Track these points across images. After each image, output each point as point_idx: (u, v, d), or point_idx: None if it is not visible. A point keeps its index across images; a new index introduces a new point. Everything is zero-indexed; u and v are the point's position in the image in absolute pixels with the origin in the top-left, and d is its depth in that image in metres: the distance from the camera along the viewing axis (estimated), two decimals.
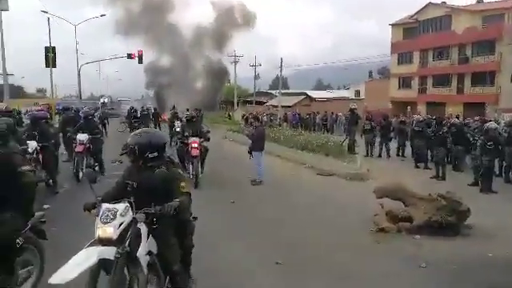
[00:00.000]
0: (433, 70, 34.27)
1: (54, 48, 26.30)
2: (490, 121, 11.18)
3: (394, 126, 16.11)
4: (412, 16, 35.86)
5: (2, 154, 3.53)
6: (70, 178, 9.17)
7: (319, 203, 7.93)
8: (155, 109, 27.82)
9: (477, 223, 6.14)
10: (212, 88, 39.73)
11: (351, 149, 14.22)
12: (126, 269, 2.95)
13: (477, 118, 14.69)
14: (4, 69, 21.53)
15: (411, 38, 35.56)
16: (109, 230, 2.88)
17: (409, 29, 36.42)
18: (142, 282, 2.98)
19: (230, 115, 35.29)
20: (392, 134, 15.52)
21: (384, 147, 14.75)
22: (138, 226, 3.03)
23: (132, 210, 3.04)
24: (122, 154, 3.40)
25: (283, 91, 45.47)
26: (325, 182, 10.13)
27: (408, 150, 14.45)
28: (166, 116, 25.32)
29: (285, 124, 27.10)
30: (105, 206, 3.02)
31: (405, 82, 37.48)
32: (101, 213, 2.97)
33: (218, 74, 40.62)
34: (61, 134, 10.86)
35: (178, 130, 14.43)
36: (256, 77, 47.14)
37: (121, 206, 3.01)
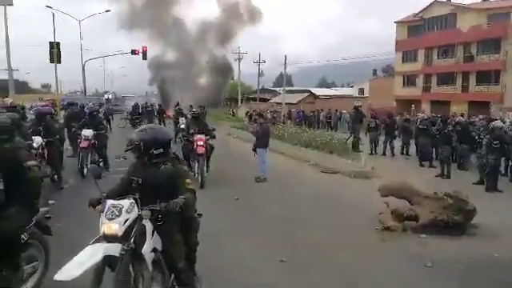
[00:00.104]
0: (437, 68, 34.05)
1: (58, 43, 26.32)
2: (496, 119, 11.06)
3: (398, 124, 16.03)
4: (417, 14, 35.60)
5: (8, 149, 3.51)
6: (75, 173, 9.19)
7: (323, 201, 7.90)
8: (160, 105, 27.83)
9: (482, 222, 6.09)
10: (216, 84, 39.52)
11: (355, 147, 14.18)
12: (130, 266, 2.93)
13: (481, 116, 14.58)
14: (9, 64, 21.57)
15: (416, 35, 35.31)
16: (114, 227, 2.86)
17: (414, 27, 36.16)
18: (147, 279, 2.97)
19: (233, 112, 35.23)
20: (396, 132, 15.44)
21: (388, 145, 14.69)
22: (143, 222, 3.01)
23: (137, 206, 3.02)
24: (126, 150, 3.37)
25: (287, 88, 45.33)
26: (329, 180, 10.10)
27: (412, 149, 14.39)
28: (170, 112, 25.36)
29: (289, 121, 27.03)
30: (110, 202, 3.01)
31: (409, 80, 37.26)
32: (106, 209, 2.95)
33: (223, 70, 40.29)
34: (66, 130, 10.88)
35: (182, 126, 14.41)
36: (260, 74, 47.05)
37: (126, 203, 3.00)
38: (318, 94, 50.19)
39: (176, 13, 36.84)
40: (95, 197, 3.18)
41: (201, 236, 3.58)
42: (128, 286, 2.89)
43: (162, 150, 3.27)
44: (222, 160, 9.16)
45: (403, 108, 29.45)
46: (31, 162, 3.57)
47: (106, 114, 20.89)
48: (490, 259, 5.12)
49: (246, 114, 30.60)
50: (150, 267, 3.01)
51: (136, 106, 27.40)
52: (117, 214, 2.90)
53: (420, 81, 35.85)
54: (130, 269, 2.94)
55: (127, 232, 2.91)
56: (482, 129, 11.15)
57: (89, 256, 2.73)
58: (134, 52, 30.23)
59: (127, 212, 2.94)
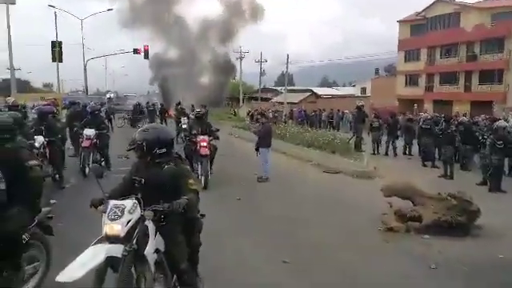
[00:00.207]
0: (440, 67, 33.91)
1: (60, 42, 26.36)
2: (499, 119, 11.00)
3: (401, 123, 15.97)
4: (420, 13, 35.46)
5: (10, 149, 3.49)
6: (77, 173, 9.18)
7: (326, 201, 7.87)
8: (162, 104, 27.82)
9: (486, 223, 6.04)
10: (218, 83, 39.28)
11: (358, 146, 14.14)
12: (133, 267, 2.91)
13: (482, 116, 14.51)
14: (11, 63, 21.61)
15: (419, 35, 35.17)
16: (116, 227, 2.84)
17: (416, 26, 36.01)
18: (149, 281, 2.94)
19: (235, 112, 35.17)
20: (399, 132, 15.39)
21: (391, 145, 14.65)
22: (146, 223, 2.99)
23: (140, 206, 3.00)
24: (129, 150, 3.34)
25: (289, 88, 45.22)
26: (331, 180, 10.06)
27: (415, 148, 14.34)
28: (172, 112, 25.34)
29: (290, 121, 26.98)
30: (112, 202, 2.98)
31: (412, 80, 37.14)
32: (108, 209, 2.93)
33: (225, 69, 39.97)
34: (67, 129, 10.87)
35: (184, 126, 14.34)
36: (262, 73, 46.97)
37: (129, 203, 2.97)
38: (319, 93, 50.10)
39: (177, 11, 36.64)
40: (97, 197, 3.16)
41: (203, 236, 3.56)
42: (130, 287, 2.86)
43: (164, 150, 3.24)
44: (224, 160, 9.12)
45: (405, 108, 29.37)
46: (33, 162, 3.55)
47: (108, 113, 20.90)
48: (494, 260, 5.07)
49: (248, 113, 30.55)
50: (153, 268, 2.99)
51: (138, 105, 27.42)
52: (119, 214, 2.88)
53: (422, 80, 35.72)
54: (132, 270, 2.92)
55: (129, 233, 2.89)
56: (485, 129, 11.09)
57: (91, 257, 2.70)
58: (135, 51, 30.21)
59: (130, 212, 2.91)
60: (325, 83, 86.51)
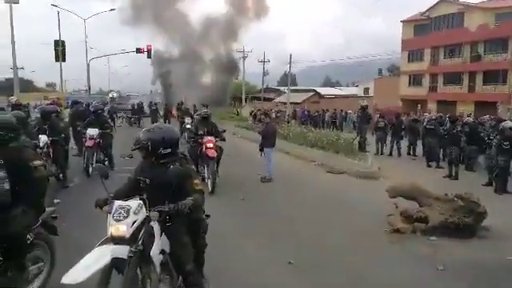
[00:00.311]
0: (444, 67, 33.78)
1: (63, 42, 26.41)
2: (506, 120, 10.90)
3: (405, 124, 15.88)
4: (423, 13, 35.34)
5: (14, 149, 3.46)
6: (80, 172, 9.16)
7: (330, 201, 7.81)
8: (166, 104, 27.84)
9: (493, 224, 5.97)
10: (221, 83, 39.07)
11: (362, 147, 14.07)
12: (138, 268, 2.87)
13: (487, 116, 14.42)
14: (14, 62, 21.66)
15: (422, 35, 35.06)
16: (122, 228, 2.80)
17: (420, 26, 35.90)
18: (155, 282, 2.91)
19: (237, 111, 35.11)
20: (403, 133, 15.31)
21: (395, 145, 14.58)
22: (151, 224, 2.95)
23: (145, 207, 2.96)
24: (134, 150, 3.30)
25: (292, 88, 45.15)
26: (335, 180, 10.00)
27: (419, 149, 14.27)
28: (174, 111, 25.33)
29: (293, 121, 26.93)
30: (117, 203, 2.94)
31: (415, 80, 37.01)
32: (113, 210, 2.89)
33: (228, 68, 39.68)
34: (71, 128, 10.85)
35: (188, 126, 14.29)
36: (265, 73, 46.92)
37: (134, 204, 2.93)
38: (322, 93, 50.05)
39: (180, 7, 36.46)
40: (102, 197, 3.12)
41: (207, 237, 3.52)
42: None
43: (169, 150, 3.21)
44: (227, 160, 9.04)
45: (409, 108, 29.28)
46: (37, 162, 3.51)
47: (111, 112, 20.92)
48: (502, 262, 5.02)
49: (251, 113, 30.51)
50: (158, 269, 2.96)
51: (140, 104, 27.45)
52: (124, 215, 2.84)
53: (426, 80, 35.60)
54: (138, 271, 2.88)
55: (135, 234, 2.85)
56: (491, 130, 11.01)
57: (96, 259, 2.67)
58: (138, 51, 30.21)
59: (135, 213, 2.87)
60: (327, 83, 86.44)
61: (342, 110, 29.30)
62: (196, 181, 3.22)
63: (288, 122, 24.12)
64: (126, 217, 2.83)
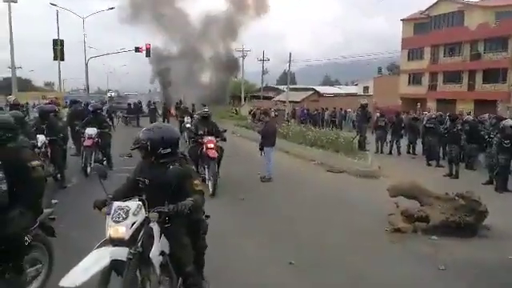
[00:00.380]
0: (444, 66, 33.77)
1: (62, 41, 26.30)
2: (506, 118, 10.87)
3: (405, 122, 15.85)
4: (423, 12, 35.31)
5: (11, 149, 3.41)
6: (78, 172, 9.12)
7: (330, 201, 7.78)
8: (165, 103, 27.79)
9: (494, 223, 5.95)
10: (220, 81, 38.89)
11: (362, 145, 14.03)
12: (137, 270, 2.84)
13: (486, 115, 14.39)
14: (12, 62, 21.59)
15: (422, 33, 35.03)
16: (121, 230, 2.76)
17: (420, 24, 35.85)
18: (155, 284, 2.88)
19: (236, 110, 35.03)
20: (403, 131, 15.29)
21: (395, 144, 14.56)
22: (151, 225, 2.91)
23: (144, 208, 2.92)
24: (133, 149, 3.26)
25: (291, 86, 45.08)
26: (335, 179, 9.97)
27: (419, 147, 14.25)
28: (173, 110, 25.29)
29: (293, 120, 26.88)
30: (116, 204, 2.90)
31: (415, 79, 36.99)
32: (112, 211, 2.84)
33: (228, 66, 39.20)
34: (69, 128, 10.80)
35: (188, 125, 14.23)
36: (264, 72, 46.86)
37: (133, 205, 2.89)
38: (322, 92, 50.00)
39: (179, 4, 36.25)
40: (100, 198, 3.08)
41: (206, 237, 3.49)
42: None
43: (169, 150, 3.17)
44: (227, 159, 8.98)
45: (409, 106, 29.26)
46: (35, 162, 3.46)
47: (109, 112, 20.87)
48: (503, 261, 5.00)
49: (250, 112, 30.45)
50: (158, 271, 2.92)
51: (138, 103, 27.40)
52: (123, 216, 2.80)
53: (426, 79, 35.59)
54: (137, 273, 2.85)
55: (134, 235, 2.81)
56: (491, 128, 10.98)
57: (95, 261, 2.63)
58: (137, 49, 30.11)
59: (134, 214, 2.83)
60: (327, 82, 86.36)
61: (341, 109, 29.26)
62: (196, 181, 3.19)
63: (287, 121, 24.06)
64: (125, 218, 2.79)
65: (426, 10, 34.99)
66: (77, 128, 9.86)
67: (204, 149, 8.02)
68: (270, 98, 46.50)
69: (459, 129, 10.70)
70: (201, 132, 8.41)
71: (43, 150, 7.48)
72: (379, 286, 4.37)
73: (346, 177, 10.26)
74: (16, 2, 20.59)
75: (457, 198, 5.87)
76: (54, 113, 8.89)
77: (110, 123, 11.99)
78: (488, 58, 30.10)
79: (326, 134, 14.70)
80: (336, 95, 47.60)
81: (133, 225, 2.80)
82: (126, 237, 2.76)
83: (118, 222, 2.78)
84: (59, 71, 28.78)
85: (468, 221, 5.65)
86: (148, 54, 30.45)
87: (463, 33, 31.01)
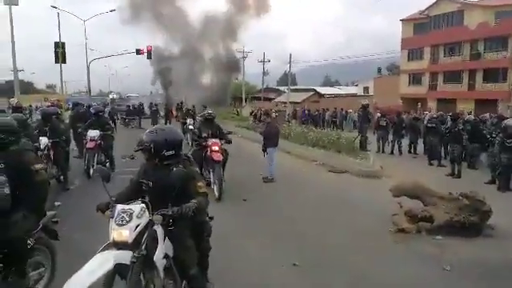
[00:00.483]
0: (444, 66, 33.71)
1: (63, 43, 26.28)
2: (508, 118, 10.85)
3: (406, 122, 15.84)
4: (423, 11, 35.27)
5: (14, 152, 3.40)
6: (81, 174, 9.11)
7: (333, 201, 7.76)
8: (166, 104, 27.78)
9: (498, 223, 5.93)
10: (221, 82, 38.74)
11: (363, 146, 14.02)
12: (141, 273, 2.82)
13: (487, 114, 14.37)
14: (14, 65, 21.59)
15: (422, 33, 34.99)
16: (124, 233, 2.74)
17: (419, 24, 35.79)
18: (158, 287, 2.86)
19: (237, 112, 35.03)
20: (404, 131, 15.28)
21: (396, 144, 14.54)
22: (154, 227, 2.90)
23: (148, 211, 2.90)
24: (136, 151, 3.25)
25: (291, 87, 45.06)
26: (337, 180, 9.95)
27: (420, 147, 14.23)
28: (174, 111, 25.29)
29: (294, 121, 26.86)
30: (120, 207, 2.89)
31: (415, 79, 36.93)
32: (115, 214, 2.83)
33: (229, 67, 38.73)
34: (71, 130, 10.80)
35: (190, 127, 14.17)
36: (265, 73, 46.82)
37: (136, 208, 2.87)
38: (322, 92, 49.99)
39: (180, 6, 36.14)
40: (103, 201, 3.07)
41: (210, 238, 3.48)
42: None
43: (173, 152, 3.15)
44: (229, 160, 8.94)
45: (409, 106, 29.21)
46: (38, 165, 3.45)
47: (111, 114, 20.88)
48: (508, 261, 4.97)
49: (251, 113, 30.45)
50: (162, 274, 2.90)
51: (140, 105, 27.42)
52: (127, 219, 2.78)
53: (426, 79, 35.52)
54: (141, 276, 2.83)
55: (137, 238, 2.79)
56: (493, 127, 10.96)
57: (99, 265, 2.61)
58: (138, 52, 30.11)
59: (138, 217, 2.81)
60: (327, 83, 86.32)
61: (342, 109, 29.24)
62: (200, 183, 3.17)
63: (288, 122, 24.05)
64: (129, 221, 2.78)
65: (426, 9, 34.94)
66: (79, 130, 9.86)
67: (208, 152, 7.79)
68: (270, 99, 46.48)
69: (461, 128, 10.67)
70: (205, 135, 8.17)
71: (46, 152, 7.47)
72: (383, 286, 4.35)
73: (348, 177, 10.24)
74: (17, 5, 20.59)
75: (461, 197, 5.85)
76: (56, 115, 8.89)
77: (113, 125, 11.97)
78: (488, 57, 30.06)
79: (328, 134, 14.70)
80: (336, 96, 47.59)
81: (136, 228, 2.78)
82: (130, 240, 2.74)
83: (122, 225, 2.76)
84: (61, 74, 28.77)
85: (472, 220, 5.62)
86: (149, 56, 30.45)
87: (463, 32, 30.97)
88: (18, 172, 3.28)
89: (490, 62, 29.80)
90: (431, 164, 12.20)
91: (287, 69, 43.55)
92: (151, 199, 3.10)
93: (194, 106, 20.07)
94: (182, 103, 25.76)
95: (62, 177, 8.06)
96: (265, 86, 49.03)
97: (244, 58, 43.52)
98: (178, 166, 3.13)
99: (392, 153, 14.51)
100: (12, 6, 20.37)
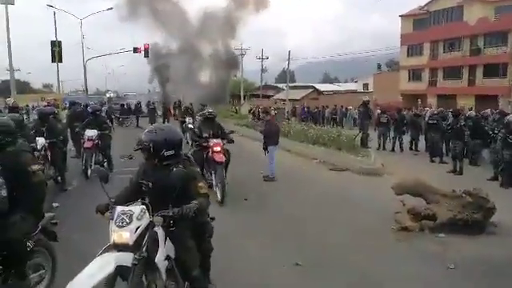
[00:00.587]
0: (443, 61, 33.66)
1: (60, 42, 26.15)
2: (510, 113, 10.79)
3: (407, 119, 15.78)
4: (422, 7, 35.17)
5: (11, 153, 3.33)
6: (79, 174, 9.03)
7: (334, 199, 7.71)
8: (164, 103, 27.67)
9: (501, 220, 5.87)
10: (220, 80, 38.55)
11: (364, 143, 13.95)
12: (143, 275, 2.76)
13: (488, 110, 14.32)
14: (10, 64, 21.47)
15: (421, 29, 34.90)
16: (125, 235, 2.68)
17: (419, 20, 35.70)
18: None
19: (236, 109, 34.93)
20: (405, 128, 15.22)
21: (397, 141, 14.47)
22: (155, 229, 2.84)
23: (148, 212, 2.84)
24: (136, 150, 3.17)
25: (290, 84, 44.93)
26: (338, 178, 9.88)
27: (421, 144, 14.16)
28: (172, 110, 25.16)
29: (293, 118, 26.78)
30: (119, 208, 2.83)
31: (415, 75, 36.88)
32: (115, 216, 2.77)
33: (228, 64, 38.37)
34: (69, 130, 10.71)
35: (190, 126, 14.05)
36: (263, 70, 46.70)
37: (137, 209, 2.81)
38: (321, 89, 49.89)
39: (178, 2, 35.86)
40: (103, 203, 3.01)
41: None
42: None
43: (172, 152, 3.08)
44: (230, 160, 8.82)
45: (409, 103, 29.14)
46: (36, 166, 3.39)
47: (109, 113, 20.77)
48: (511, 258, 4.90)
49: (250, 110, 30.38)
50: (164, 276, 2.86)
51: (138, 104, 27.32)
52: (127, 221, 2.72)
53: (426, 75, 35.47)
54: (143, 278, 2.78)
55: (138, 240, 2.74)
56: (494, 124, 10.90)
57: (100, 267, 2.55)
58: (135, 50, 29.98)
59: (138, 219, 2.76)
60: (326, 79, 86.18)
61: (342, 106, 29.17)
62: (200, 183, 3.11)
63: (288, 119, 23.96)
64: (129, 223, 2.72)
65: (425, 5, 34.84)
66: (76, 130, 9.77)
67: (210, 153, 7.46)
68: (269, 97, 46.37)
69: (463, 125, 10.60)
70: (205, 135, 7.81)
71: (43, 152, 7.39)
72: (385, 285, 4.29)
73: (349, 175, 10.17)
74: (13, 4, 20.43)
75: (464, 195, 5.79)
76: (53, 115, 8.79)
77: (110, 124, 11.87)
78: (488, 52, 29.99)
79: (328, 131, 14.60)
80: (335, 92, 47.50)
81: (137, 229, 2.73)
82: (131, 242, 2.69)
83: (122, 226, 2.71)
84: (57, 73, 28.63)
85: (476, 218, 5.57)
86: (146, 55, 30.32)
87: (463, 28, 30.88)
88: (15, 173, 3.23)
89: (490, 58, 29.74)
90: (433, 161, 12.16)
91: (285, 66, 43.47)
92: (151, 200, 3.05)
93: (191, 104, 19.94)
94: (179, 101, 25.62)
95: (59, 177, 7.97)
96: (263, 83, 48.92)
97: (242, 55, 43.38)
98: (178, 166, 3.07)
99: (393, 150, 14.46)
100: (8, 6, 20.20)
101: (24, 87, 54.93)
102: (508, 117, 9.25)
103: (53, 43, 25.85)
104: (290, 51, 41.39)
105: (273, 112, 24.63)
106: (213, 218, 3.51)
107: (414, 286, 4.31)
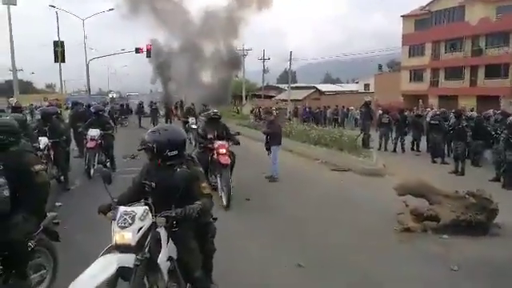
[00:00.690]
0: (445, 62, 33.60)
1: (62, 42, 26.15)
2: (511, 114, 10.76)
3: (408, 119, 15.75)
4: (424, 7, 35.12)
5: (14, 153, 3.33)
6: (82, 174, 9.04)
7: (336, 200, 7.69)
8: (166, 103, 27.68)
9: (504, 221, 5.84)
10: (222, 80, 38.45)
11: (366, 143, 13.93)
12: (145, 277, 2.76)
13: (490, 110, 14.29)
14: (13, 64, 21.51)
15: (423, 29, 34.84)
16: (127, 236, 2.67)
17: (420, 20, 35.65)
18: None
19: (238, 110, 34.90)
20: (407, 128, 15.19)
21: (399, 141, 14.45)
22: (158, 230, 2.84)
23: (151, 213, 2.84)
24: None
25: (292, 85, 44.91)
26: (340, 178, 9.86)
27: (423, 144, 14.13)
28: (174, 110, 25.19)
29: (295, 119, 26.75)
30: (122, 209, 2.82)
31: (416, 75, 36.81)
32: (118, 216, 2.76)
33: (230, 64, 38.04)
34: (71, 130, 10.73)
35: (193, 126, 14.02)
36: (265, 70, 46.71)
37: (139, 210, 2.81)
38: (323, 90, 49.88)
39: (180, 0, 35.85)
40: (105, 203, 3.01)
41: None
42: None
43: (176, 152, 3.08)
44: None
45: (410, 103, 29.09)
46: (39, 166, 3.38)
47: (111, 113, 20.78)
48: None
49: (251, 111, 30.35)
50: (166, 277, 2.85)
51: (140, 104, 27.35)
52: (130, 221, 2.71)
53: (427, 75, 35.40)
54: (145, 280, 2.77)
55: (140, 241, 2.73)
56: (497, 124, 10.87)
57: (102, 268, 2.55)
58: (137, 50, 29.99)
59: (140, 219, 2.75)
60: (328, 80, 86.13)
61: (343, 107, 29.14)
62: (204, 184, 3.10)
63: (290, 120, 23.94)
64: (132, 223, 2.71)
65: (427, 5, 34.78)
66: (79, 130, 9.78)
67: (215, 155, 7.19)
68: (271, 97, 46.36)
69: (465, 125, 10.58)
70: (210, 136, 7.55)
71: (46, 152, 7.40)
72: (387, 286, 4.28)
73: (351, 175, 10.15)
74: (15, 5, 20.49)
75: (467, 196, 5.77)
76: (56, 115, 8.81)
77: (113, 124, 11.88)
78: (490, 53, 29.93)
79: (330, 132, 14.59)
80: (337, 93, 47.47)
81: (139, 230, 2.72)
82: (133, 243, 2.68)
83: (124, 227, 2.70)
84: (60, 73, 28.66)
85: (479, 219, 5.55)
86: (148, 55, 30.32)
87: (464, 28, 30.82)
88: (18, 173, 3.22)
89: (491, 58, 29.67)
90: (434, 161, 12.13)
91: (287, 66, 43.46)
92: (154, 200, 3.04)
93: (193, 105, 19.94)
94: (181, 102, 25.61)
95: (62, 177, 7.99)
96: (265, 84, 48.89)
97: (244, 55, 43.36)
98: (182, 166, 3.07)
99: (395, 150, 14.43)
100: (11, 6, 20.25)
101: (27, 87, 55.04)
102: (510, 117, 9.22)
103: (55, 43, 25.86)
104: (291, 52, 41.54)
105: (275, 112, 24.70)
106: (215, 219, 3.50)
107: (416, 287, 4.30)
